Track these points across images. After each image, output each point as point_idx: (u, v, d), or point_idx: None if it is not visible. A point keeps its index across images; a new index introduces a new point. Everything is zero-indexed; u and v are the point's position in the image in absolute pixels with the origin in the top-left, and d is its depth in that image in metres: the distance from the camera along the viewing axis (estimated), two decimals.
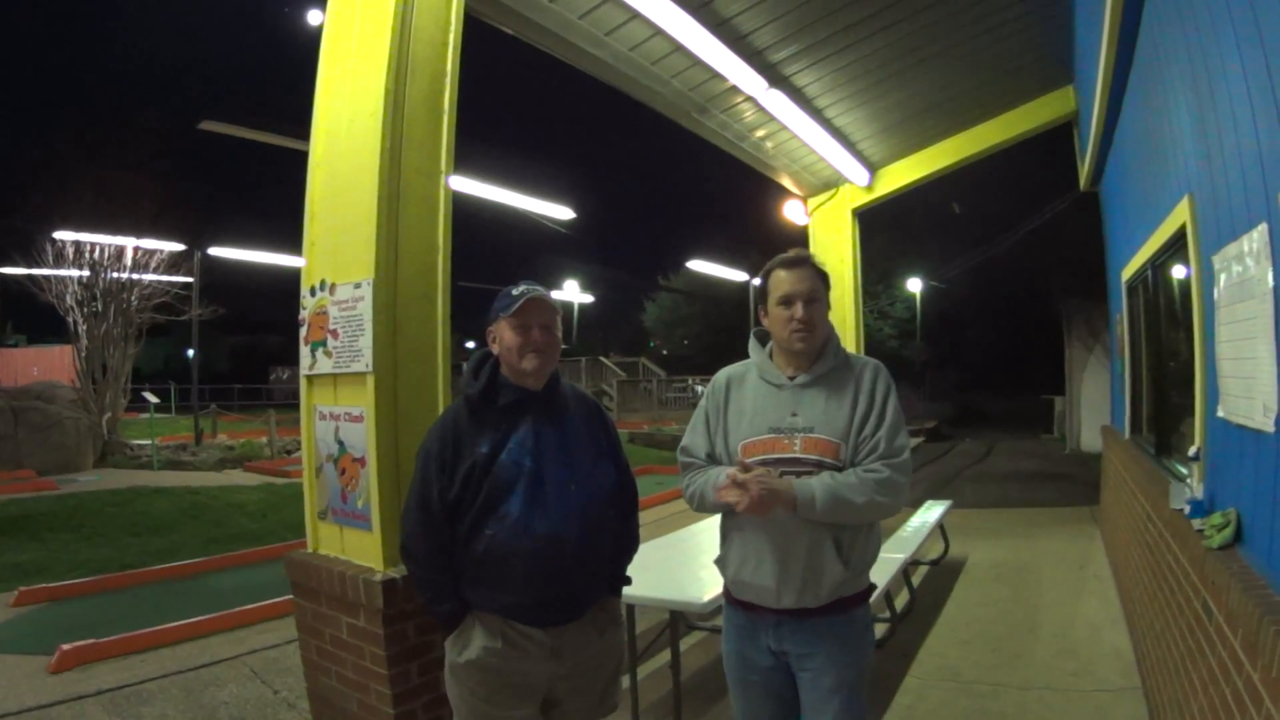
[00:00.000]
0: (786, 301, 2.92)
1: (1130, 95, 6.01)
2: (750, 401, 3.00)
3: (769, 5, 6.23)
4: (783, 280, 2.95)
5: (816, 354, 2.98)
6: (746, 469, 2.74)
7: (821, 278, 2.99)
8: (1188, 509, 3.61)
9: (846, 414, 2.86)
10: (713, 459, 3.04)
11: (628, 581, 3.25)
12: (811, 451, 2.82)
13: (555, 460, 2.88)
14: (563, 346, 3.12)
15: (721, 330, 47.60)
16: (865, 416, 2.85)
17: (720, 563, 3.05)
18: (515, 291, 2.91)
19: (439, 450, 2.86)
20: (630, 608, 4.90)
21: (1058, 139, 10.87)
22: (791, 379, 2.96)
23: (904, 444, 2.84)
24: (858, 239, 10.84)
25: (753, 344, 3.14)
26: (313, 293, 4.20)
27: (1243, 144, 2.83)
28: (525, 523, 2.75)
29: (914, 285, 37.78)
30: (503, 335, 2.91)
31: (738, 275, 32.06)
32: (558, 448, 2.92)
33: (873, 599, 3.08)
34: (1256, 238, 2.63)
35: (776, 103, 7.54)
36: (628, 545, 3.23)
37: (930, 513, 8.73)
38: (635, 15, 5.81)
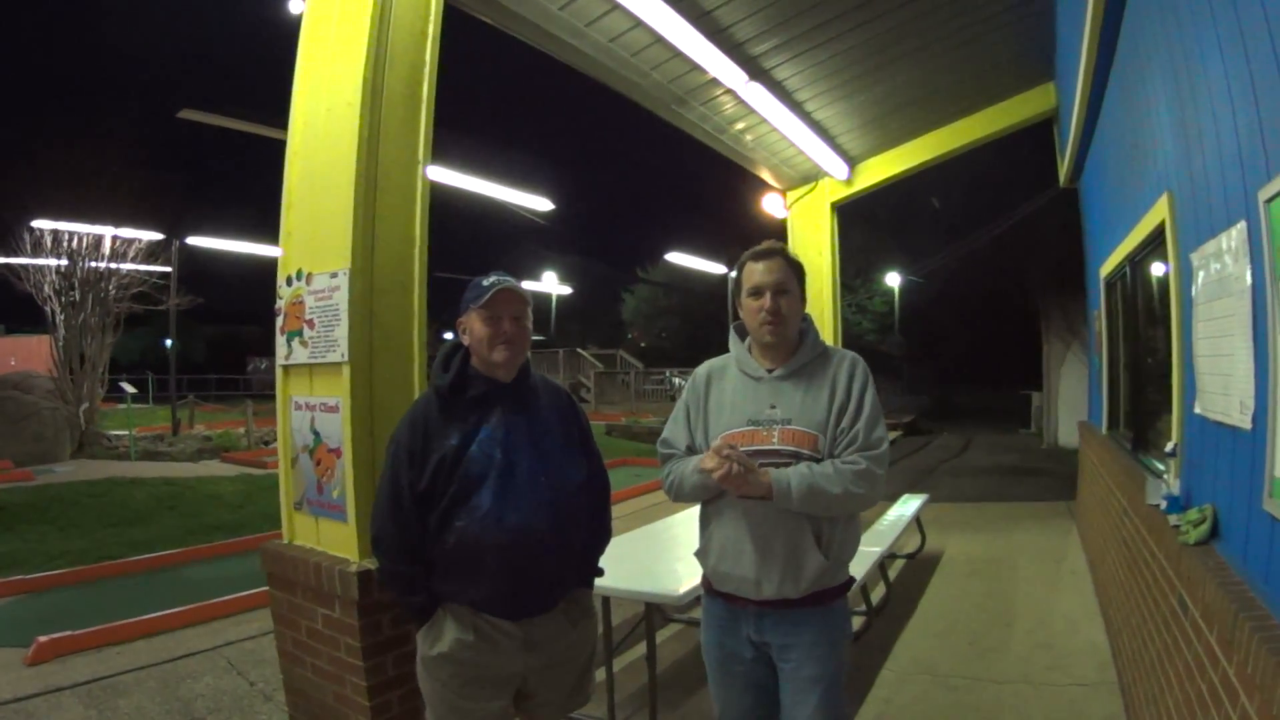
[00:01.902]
0: (756, 292, 2.94)
1: (1111, 92, 6.03)
2: (730, 394, 3.00)
3: None
4: (753, 271, 2.97)
5: (794, 347, 3.00)
6: (731, 447, 2.74)
7: (794, 269, 3.00)
8: (1164, 505, 3.63)
9: (824, 406, 2.86)
10: (692, 451, 3.03)
11: (600, 573, 3.25)
12: (789, 443, 2.82)
13: (526, 452, 2.88)
14: (539, 338, 3.10)
15: (700, 323, 47.65)
16: (843, 408, 2.85)
17: (700, 554, 3.05)
18: (485, 282, 2.89)
19: (409, 442, 2.85)
20: (606, 600, 4.90)
21: (1038, 135, 10.90)
22: (770, 372, 2.97)
23: (881, 436, 2.84)
24: (836, 232, 10.83)
25: (732, 337, 3.14)
26: (289, 282, 4.17)
27: (1222, 142, 2.83)
28: (496, 514, 2.75)
29: (892, 279, 37.85)
30: (473, 326, 2.89)
31: (716, 268, 32.01)
32: (528, 439, 2.91)
33: (849, 593, 3.08)
34: (1235, 235, 2.64)
35: (756, 96, 7.52)
36: (600, 536, 3.23)
37: (907, 506, 8.75)
38: (616, 7, 5.78)
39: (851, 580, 3.05)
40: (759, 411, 2.91)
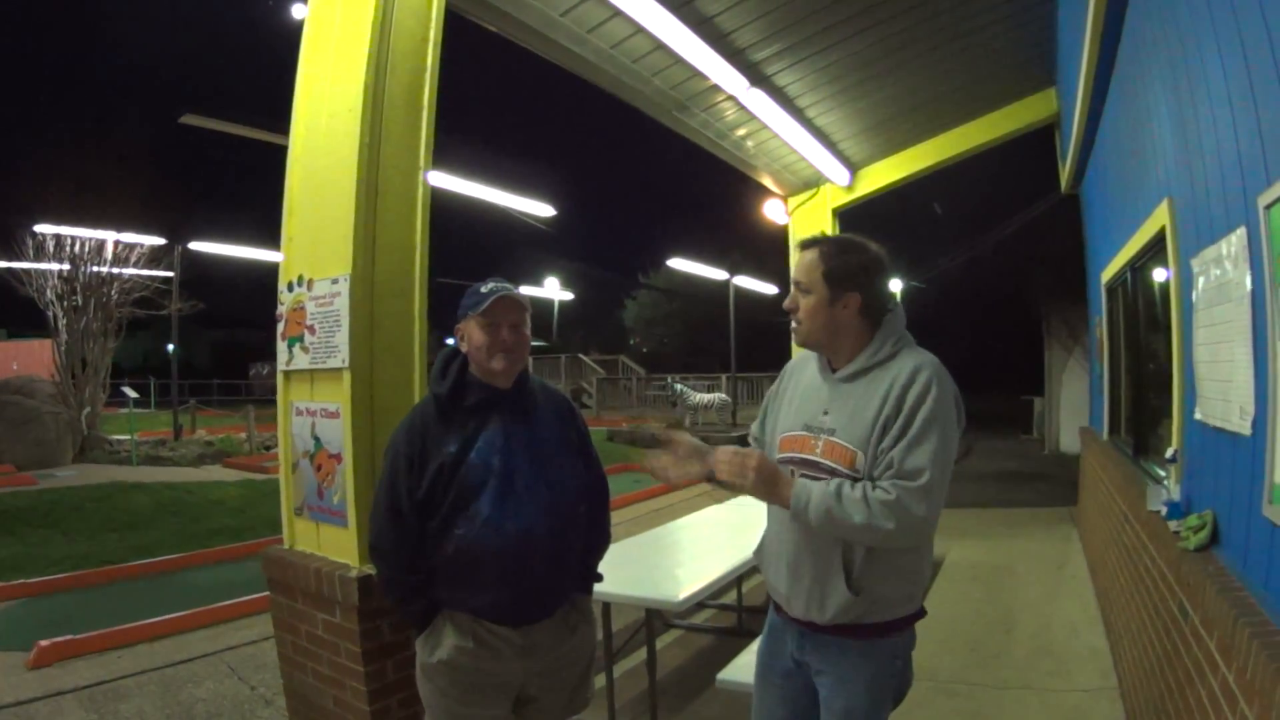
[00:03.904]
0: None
1: (1111, 98, 6.03)
2: (800, 391, 2.78)
3: (750, 4, 6.22)
4: None
5: (856, 346, 2.64)
6: (671, 429, 2.64)
7: (826, 262, 2.62)
8: (1165, 510, 3.63)
9: (871, 418, 2.50)
10: (761, 445, 2.91)
11: (599, 578, 3.24)
12: (828, 457, 2.54)
13: (525, 458, 2.86)
14: (541, 343, 3.08)
15: (702, 329, 47.58)
16: (887, 425, 2.46)
17: (757, 552, 2.93)
18: (484, 289, 2.86)
19: (407, 449, 2.83)
20: (606, 605, 4.89)
21: (1039, 141, 10.91)
22: (834, 372, 2.68)
23: (921, 465, 2.37)
24: None
25: None
26: (290, 288, 4.18)
27: (1222, 147, 2.84)
28: (496, 522, 2.73)
29: (894, 285, 37.82)
30: (471, 334, 2.87)
31: (718, 274, 31.96)
32: (527, 446, 2.89)
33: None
34: (1235, 241, 2.65)
35: (757, 102, 7.54)
36: (599, 542, 3.21)
37: None
38: (617, 13, 5.80)
39: (909, 618, 2.66)
40: (815, 416, 2.64)
